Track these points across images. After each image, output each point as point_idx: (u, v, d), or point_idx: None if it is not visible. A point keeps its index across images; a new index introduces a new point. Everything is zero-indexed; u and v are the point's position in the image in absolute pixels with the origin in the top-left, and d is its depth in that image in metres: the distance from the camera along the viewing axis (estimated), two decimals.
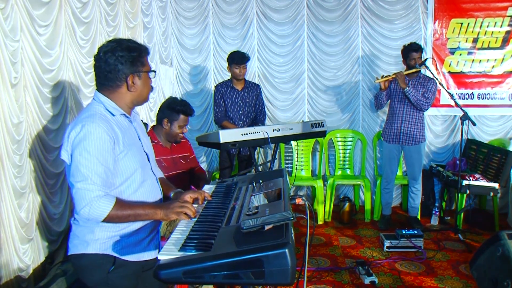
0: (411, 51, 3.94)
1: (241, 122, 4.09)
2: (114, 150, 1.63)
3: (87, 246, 1.67)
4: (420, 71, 4.02)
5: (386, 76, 3.94)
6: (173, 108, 2.68)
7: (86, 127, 1.58)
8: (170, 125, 2.70)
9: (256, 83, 4.37)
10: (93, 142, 1.57)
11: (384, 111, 4.65)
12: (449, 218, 4.45)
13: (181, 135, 2.74)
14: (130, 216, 1.61)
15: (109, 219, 1.57)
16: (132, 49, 1.68)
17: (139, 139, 1.82)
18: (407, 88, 3.86)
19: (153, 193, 1.81)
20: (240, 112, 4.09)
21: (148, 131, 2.79)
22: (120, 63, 1.65)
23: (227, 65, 4.05)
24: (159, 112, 2.77)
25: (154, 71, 1.81)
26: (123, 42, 1.69)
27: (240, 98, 4.07)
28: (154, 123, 2.99)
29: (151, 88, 1.81)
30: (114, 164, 1.64)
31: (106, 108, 1.69)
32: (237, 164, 4.30)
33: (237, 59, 3.91)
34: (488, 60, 4.61)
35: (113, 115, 1.70)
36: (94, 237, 1.67)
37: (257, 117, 4.24)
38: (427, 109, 3.99)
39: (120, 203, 1.60)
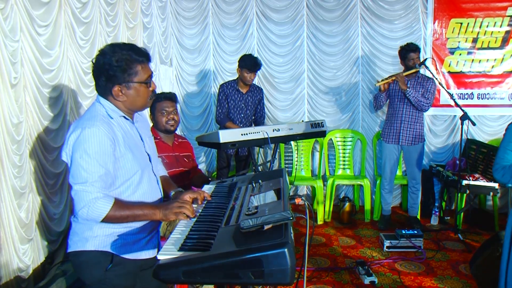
0: (409, 52, 3.94)
1: (241, 125, 4.07)
2: (114, 153, 1.63)
3: (85, 243, 1.68)
4: (419, 71, 4.02)
5: (386, 79, 3.94)
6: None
7: (86, 130, 1.58)
8: (154, 117, 2.79)
9: (260, 86, 4.34)
10: (93, 145, 1.57)
11: (383, 111, 4.66)
12: (449, 218, 4.45)
13: (171, 121, 2.75)
14: (128, 217, 1.62)
15: (107, 220, 1.59)
16: (121, 60, 1.62)
17: (142, 139, 1.83)
18: (407, 89, 3.86)
19: (153, 193, 1.82)
20: (242, 115, 4.07)
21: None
22: (108, 72, 1.62)
23: (237, 67, 3.95)
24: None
25: (147, 82, 1.70)
26: (116, 50, 1.63)
27: (243, 101, 4.05)
28: None
29: (150, 95, 1.75)
30: (114, 166, 1.65)
31: (106, 111, 1.70)
32: (235, 164, 4.29)
33: (251, 65, 3.85)
34: (487, 60, 4.61)
35: (111, 117, 1.69)
36: (93, 234, 1.68)
37: (257, 120, 4.24)
38: (427, 109, 3.98)
39: (119, 204, 1.60)
